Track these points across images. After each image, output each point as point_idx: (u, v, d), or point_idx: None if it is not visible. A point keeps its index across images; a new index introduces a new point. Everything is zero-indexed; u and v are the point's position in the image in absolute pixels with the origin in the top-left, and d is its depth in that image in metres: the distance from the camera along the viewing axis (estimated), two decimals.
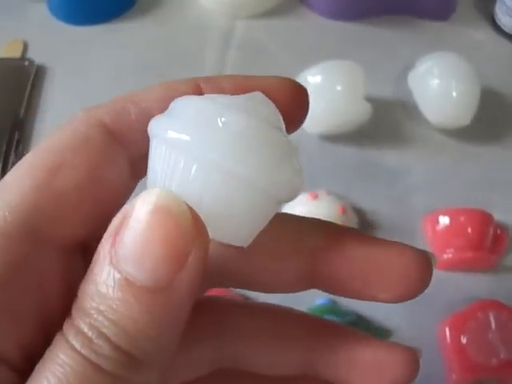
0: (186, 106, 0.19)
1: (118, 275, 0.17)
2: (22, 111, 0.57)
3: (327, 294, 0.47)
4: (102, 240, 0.17)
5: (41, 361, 0.17)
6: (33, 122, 0.57)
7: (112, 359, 0.17)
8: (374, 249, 0.22)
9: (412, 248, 0.22)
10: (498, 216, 0.50)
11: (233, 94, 0.20)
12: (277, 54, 0.61)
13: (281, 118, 0.20)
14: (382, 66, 0.59)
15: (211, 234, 0.18)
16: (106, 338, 0.17)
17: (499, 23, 0.61)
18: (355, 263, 0.21)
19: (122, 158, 0.20)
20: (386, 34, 0.62)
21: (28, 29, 0.64)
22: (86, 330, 0.17)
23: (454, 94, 0.53)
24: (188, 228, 0.17)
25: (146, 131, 0.19)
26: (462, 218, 0.48)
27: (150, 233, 0.17)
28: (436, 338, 0.46)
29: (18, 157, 0.54)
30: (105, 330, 0.17)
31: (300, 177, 0.20)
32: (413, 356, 0.24)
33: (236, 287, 0.24)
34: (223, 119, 0.18)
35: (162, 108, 0.20)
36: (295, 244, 0.22)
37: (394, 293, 0.22)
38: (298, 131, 0.59)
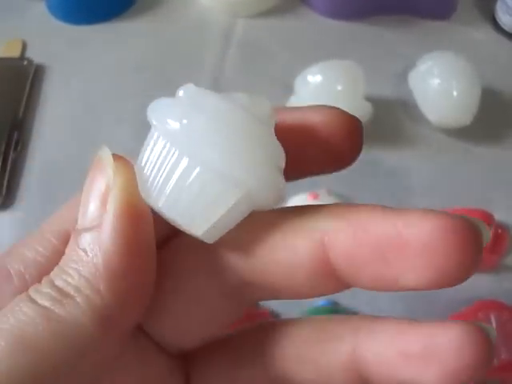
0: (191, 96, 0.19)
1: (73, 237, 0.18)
2: (21, 111, 0.57)
3: (328, 295, 0.47)
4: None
5: None
6: (32, 122, 0.57)
7: (47, 294, 0.18)
8: (390, 221, 0.17)
9: (438, 212, 0.17)
10: (498, 216, 0.49)
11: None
12: (277, 53, 0.61)
13: (274, 123, 0.19)
14: (382, 65, 0.59)
15: (179, 221, 0.18)
16: (49, 279, 0.18)
17: (500, 22, 0.61)
18: (370, 241, 0.17)
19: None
20: (386, 33, 0.62)
21: (27, 28, 0.64)
22: (43, 281, 0.18)
23: (455, 93, 0.52)
24: (106, 166, 0.18)
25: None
26: None
27: (87, 179, 0.19)
28: None
29: (17, 156, 0.54)
30: (51, 273, 0.18)
31: (280, 181, 0.18)
32: (474, 336, 0.17)
33: (257, 300, 0.21)
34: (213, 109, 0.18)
35: None
36: (301, 232, 0.18)
37: (423, 272, 0.16)
38: None
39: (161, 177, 0.18)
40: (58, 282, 0.18)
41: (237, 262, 0.19)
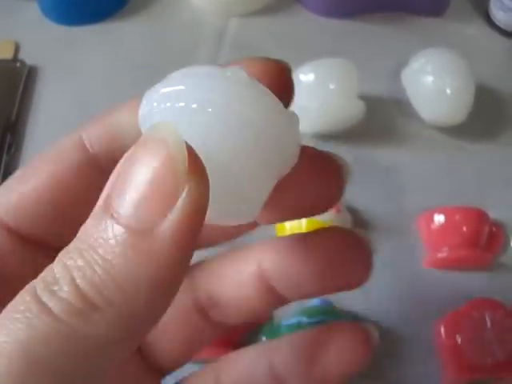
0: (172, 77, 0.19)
1: (104, 210, 0.15)
2: (15, 113, 0.57)
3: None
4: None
5: None
6: (25, 124, 0.57)
7: (65, 302, 0.15)
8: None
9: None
10: (493, 213, 0.49)
11: None
12: (270, 51, 0.60)
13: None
14: (375, 63, 0.59)
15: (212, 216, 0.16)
16: (71, 278, 0.15)
17: (493, 19, 0.61)
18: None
19: (89, 167, 0.22)
20: (379, 30, 0.62)
21: (19, 30, 0.64)
22: (56, 269, 0.15)
23: (448, 91, 0.52)
24: (180, 162, 0.15)
25: (112, 139, 0.22)
26: (457, 217, 0.48)
27: (138, 164, 0.15)
28: (431, 336, 0.46)
29: (11, 159, 0.54)
30: (74, 272, 0.15)
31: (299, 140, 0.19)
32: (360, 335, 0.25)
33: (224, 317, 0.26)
34: (223, 72, 0.18)
35: (133, 119, 0.20)
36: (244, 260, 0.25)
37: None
38: None
39: None
40: (84, 286, 0.15)
41: (205, 282, 0.24)
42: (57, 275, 0.15)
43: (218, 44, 0.61)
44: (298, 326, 0.44)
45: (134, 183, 0.15)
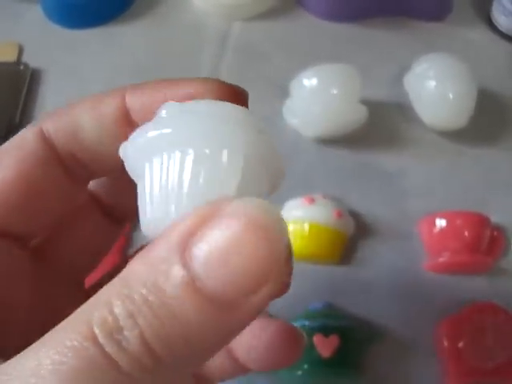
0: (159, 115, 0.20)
1: (184, 273, 0.15)
2: (18, 115, 0.57)
3: (323, 298, 0.47)
4: (172, 226, 0.16)
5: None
6: None
7: (133, 357, 0.15)
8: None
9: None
10: (494, 218, 0.50)
11: (160, 101, 0.21)
12: (273, 56, 0.61)
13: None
14: (378, 67, 0.59)
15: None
16: (140, 332, 0.15)
17: (496, 23, 0.61)
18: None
19: (53, 160, 0.23)
20: (381, 35, 0.62)
21: (23, 33, 0.64)
22: (120, 313, 0.15)
23: (451, 95, 0.52)
24: (281, 255, 0.16)
25: (71, 134, 0.22)
26: (459, 221, 0.48)
27: (238, 246, 0.15)
28: (432, 340, 0.46)
29: None
30: (141, 322, 0.15)
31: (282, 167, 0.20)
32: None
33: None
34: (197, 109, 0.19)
35: (91, 116, 0.23)
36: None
37: None
38: (294, 135, 0.59)
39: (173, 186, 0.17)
40: (152, 340, 0.15)
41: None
42: (120, 322, 0.15)
43: (221, 47, 0.62)
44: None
45: (233, 263, 0.15)
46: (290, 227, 0.48)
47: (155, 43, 0.63)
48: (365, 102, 0.53)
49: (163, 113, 0.19)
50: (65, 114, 0.23)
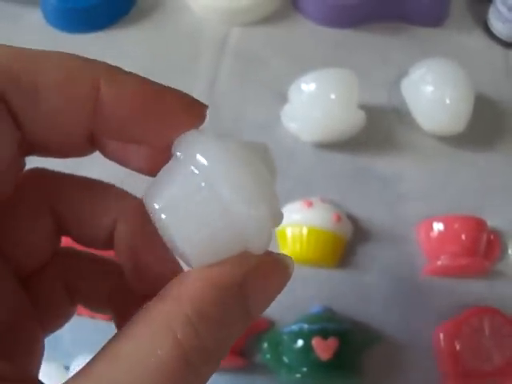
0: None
1: (242, 302, 0.21)
2: None
3: (322, 302, 0.47)
4: (229, 269, 0.21)
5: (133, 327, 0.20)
6: None
7: (199, 351, 0.20)
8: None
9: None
10: (491, 222, 0.50)
11: (133, 98, 0.22)
12: (271, 61, 0.61)
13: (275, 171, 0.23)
14: (376, 72, 0.59)
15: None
16: (220, 353, 0.21)
17: (492, 29, 0.61)
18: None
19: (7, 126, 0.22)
20: (379, 40, 0.62)
21: (23, 36, 0.64)
22: (193, 317, 0.20)
23: (448, 100, 0.52)
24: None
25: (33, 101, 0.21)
26: (456, 225, 0.49)
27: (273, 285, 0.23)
28: (431, 343, 0.46)
29: None
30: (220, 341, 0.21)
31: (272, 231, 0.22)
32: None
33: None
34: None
35: (60, 91, 0.22)
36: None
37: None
38: (293, 139, 0.59)
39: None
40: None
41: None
42: (206, 346, 0.20)
43: (219, 53, 0.62)
44: (300, 333, 0.44)
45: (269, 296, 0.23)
46: (289, 231, 0.48)
47: (154, 48, 0.63)
48: (362, 106, 0.53)
49: (178, 155, 0.21)
50: (27, 75, 0.22)
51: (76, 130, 0.23)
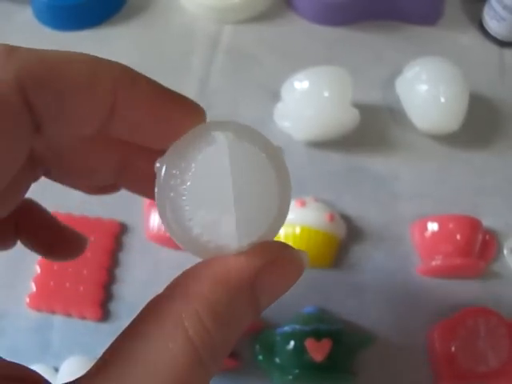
0: None
1: (252, 299, 0.22)
2: None
3: (315, 302, 0.47)
4: (242, 265, 0.22)
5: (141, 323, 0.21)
6: None
7: (210, 348, 0.20)
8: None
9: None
10: (486, 222, 0.50)
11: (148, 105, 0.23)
12: (264, 59, 0.61)
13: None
14: (370, 71, 0.59)
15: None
16: (225, 351, 0.21)
17: (487, 28, 0.61)
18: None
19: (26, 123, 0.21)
20: (373, 39, 0.62)
21: (13, 34, 0.63)
22: (204, 314, 0.20)
23: (442, 99, 0.52)
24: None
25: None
26: (451, 225, 0.48)
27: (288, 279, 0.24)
28: (425, 344, 0.46)
29: None
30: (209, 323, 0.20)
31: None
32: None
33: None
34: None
35: (82, 94, 0.22)
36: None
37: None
38: (285, 138, 0.59)
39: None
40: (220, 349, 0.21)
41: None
42: (216, 344, 0.20)
43: (212, 51, 0.61)
44: (292, 334, 0.43)
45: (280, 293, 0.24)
46: (282, 230, 0.48)
47: (146, 46, 0.63)
48: (356, 105, 0.53)
49: (192, 166, 0.22)
50: (51, 80, 0.22)
51: (91, 131, 0.23)
